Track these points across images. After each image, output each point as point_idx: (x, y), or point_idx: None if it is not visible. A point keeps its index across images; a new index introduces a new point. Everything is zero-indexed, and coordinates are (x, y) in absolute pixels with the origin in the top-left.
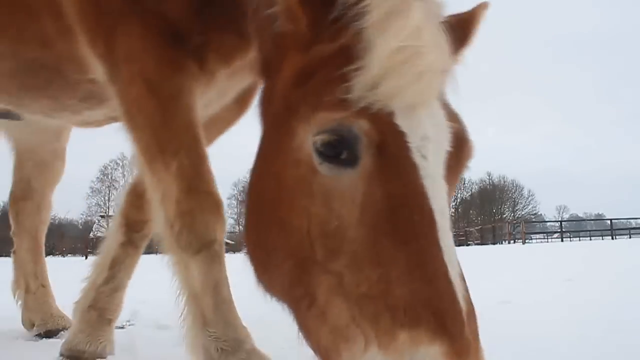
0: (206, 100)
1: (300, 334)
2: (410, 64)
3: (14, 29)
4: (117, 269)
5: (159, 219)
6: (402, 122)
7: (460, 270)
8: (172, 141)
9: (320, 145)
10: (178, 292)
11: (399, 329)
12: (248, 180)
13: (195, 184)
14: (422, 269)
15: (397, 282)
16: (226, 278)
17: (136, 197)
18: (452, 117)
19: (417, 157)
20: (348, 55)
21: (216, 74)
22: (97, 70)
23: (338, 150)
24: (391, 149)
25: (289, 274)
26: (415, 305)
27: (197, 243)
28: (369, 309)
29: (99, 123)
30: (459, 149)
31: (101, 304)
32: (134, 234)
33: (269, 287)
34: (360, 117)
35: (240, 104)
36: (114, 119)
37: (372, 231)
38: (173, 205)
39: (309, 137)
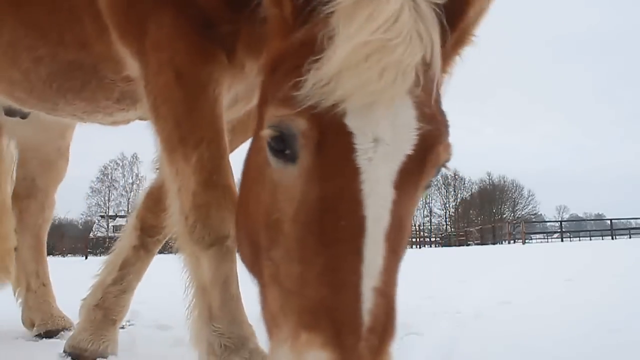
0: (234, 95)
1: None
2: (371, 61)
3: (55, 32)
4: (127, 271)
5: (174, 210)
6: (352, 122)
7: (380, 283)
8: (195, 133)
9: (269, 139)
10: (186, 284)
11: (302, 328)
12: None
13: (214, 178)
14: (334, 275)
15: (310, 283)
16: (236, 275)
17: (153, 202)
18: (428, 117)
19: (361, 160)
20: (310, 46)
21: (245, 66)
22: (131, 66)
23: (282, 146)
24: (332, 150)
25: (249, 253)
26: (319, 309)
27: (210, 237)
28: (291, 303)
29: (126, 122)
30: (425, 153)
31: (107, 304)
32: (148, 239)
33: (242, 260)
34: (301, 116)
35: None
36: (145, 119)
37: (302, 229)
38: (189, 198)
39: (265, 127)
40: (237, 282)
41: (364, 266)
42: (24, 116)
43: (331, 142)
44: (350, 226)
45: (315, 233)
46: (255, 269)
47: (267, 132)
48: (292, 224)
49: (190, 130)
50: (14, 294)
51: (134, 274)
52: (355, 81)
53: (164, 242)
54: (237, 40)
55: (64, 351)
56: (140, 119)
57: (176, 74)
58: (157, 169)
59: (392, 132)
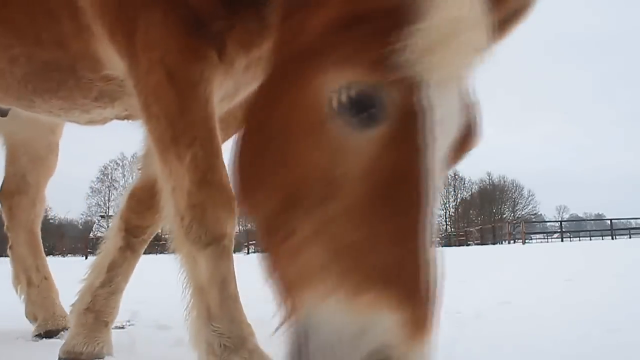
0: (223, 93)
1: (264, 261)
2: (457, 38)
3: (32, 33)
4: (115, 272)
5: (169, 210)
6: (432, 96)
7: (435, 254)
8: (188, 132)
9: (347, 98)
10: (184, 285)
11: (366, 288)
12: (247, 107)
13: (208, 177)
14: (404, 242)
15: (378, 246)
16: (234, 274)
17: (137, 202)
18: (471, 105)
19: (430, 137)
20: (405, 12)
21: (235, 63)
22: (116, 65)
23: (362, 108)
24: (411, 122)
25: (275, 205)
26: (388, 272)
27: (207, 237)
28: (344, 262)
29: (104, 121)
30: (465, 139)
31: (98, 307)
32: (133, 239)
33: (249, 208)
34: (392, 84)
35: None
36: (122, 118)
37: (370, 193)
38: (184, 197)
39: (335, 85)
40: (235, 282)
41: (427, 236)
42: (3, 114)
43: (412, 115)
44: (418, 199)
45: (384, 198)
46: (278, 221)
47: (348, 91)
48: (357, 186)
49: (183, 129)
50: (16, 291)
51: (122, 275)
52: (444, 57)
53: (149, 241)
54: (228, 38)
55: (60, 358)
56: (117, 117)
57: (167, 73)
58: (139, 169)
59: (453, 114)
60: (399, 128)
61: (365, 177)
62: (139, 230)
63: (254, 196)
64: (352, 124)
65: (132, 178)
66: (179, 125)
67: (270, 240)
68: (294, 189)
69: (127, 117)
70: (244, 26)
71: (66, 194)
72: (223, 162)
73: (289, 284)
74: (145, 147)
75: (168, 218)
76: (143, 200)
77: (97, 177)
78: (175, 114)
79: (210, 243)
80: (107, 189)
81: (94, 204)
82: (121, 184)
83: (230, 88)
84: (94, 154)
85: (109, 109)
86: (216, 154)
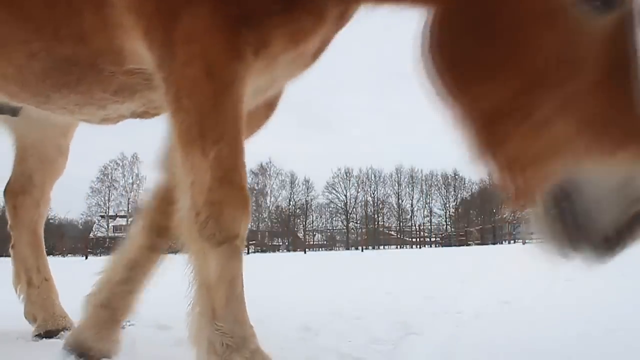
0: (255, 88)
1: (478, 145)
2: None
3: (52, 27)
4: (136, 271)
5: (184, 204)
6: None
7: None
8: (217, 129)
9: None
10: (190, 281)
11: (619, 146)
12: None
13: (230, 176)
14: None
15: (622, 112)
16: (242, 275)
17: (166, 203)
18: None
19: None
20: None
21: (279, 57)
22: (142, 58)
23: None
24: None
25: (509, 92)
26: (636, 131)
27: (221, 235)
28: (594, 128)
29: (118, 118)
30: None
31: (115, 304)
32: (158, 239)
33: (472, 100)
34: None
35: (267, 108)
36: (138, 115)
37: (608, 69)
38: (203, 193)
39: None
40: (242, 283)
41: None
42: (14, 113)
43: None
44: None
45: (623, 72)
46: (514, 107)
47: None
48: (597, 64)
49: (212, 125)
50: (15, 291)
51: (144, 275)
52: None
53: (171, 242)
54: (277, 34)
55: (65, 347)
56: (132, 115)
57: (206, 68)
58: (164, 167)
59: None
60: (626, 18)
61: (605, 56)
62: (165, 231)
63: (478, 88)
64: (592, 10)
65: (132, 178)
66: (209, 121)
67: (504, 124)
68: (531, 75)
69: (142, 115)
70: (298, 22)
71: (66, 194)
72: (244, 162)
73: (534, 160)
74: (172, 144)
75: (182, 212)
76: (172, 201)
77: (97, 177)
78: (207, 109)
79: (223, 241)
80: (107, 189)
81: (94, 204)
82: (121, 184)
83: (267, 82)
84: (94, 154)
85: (127, 103)
86: (240, 153)
